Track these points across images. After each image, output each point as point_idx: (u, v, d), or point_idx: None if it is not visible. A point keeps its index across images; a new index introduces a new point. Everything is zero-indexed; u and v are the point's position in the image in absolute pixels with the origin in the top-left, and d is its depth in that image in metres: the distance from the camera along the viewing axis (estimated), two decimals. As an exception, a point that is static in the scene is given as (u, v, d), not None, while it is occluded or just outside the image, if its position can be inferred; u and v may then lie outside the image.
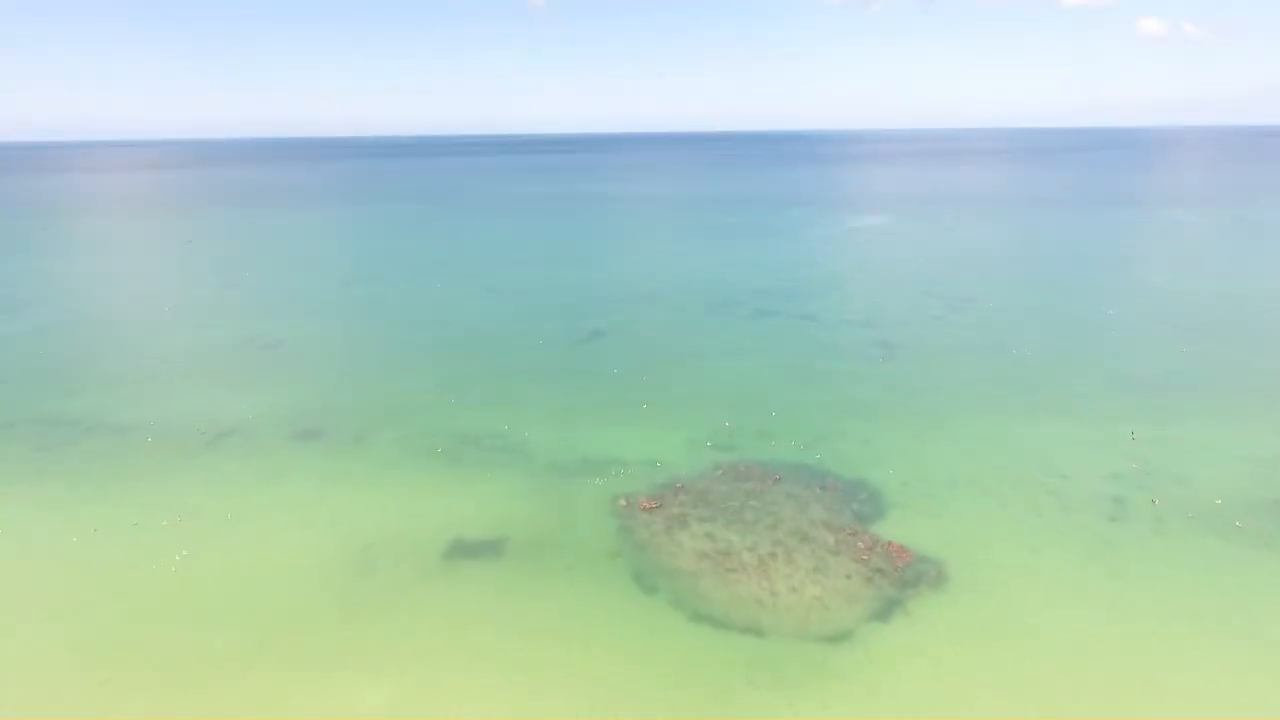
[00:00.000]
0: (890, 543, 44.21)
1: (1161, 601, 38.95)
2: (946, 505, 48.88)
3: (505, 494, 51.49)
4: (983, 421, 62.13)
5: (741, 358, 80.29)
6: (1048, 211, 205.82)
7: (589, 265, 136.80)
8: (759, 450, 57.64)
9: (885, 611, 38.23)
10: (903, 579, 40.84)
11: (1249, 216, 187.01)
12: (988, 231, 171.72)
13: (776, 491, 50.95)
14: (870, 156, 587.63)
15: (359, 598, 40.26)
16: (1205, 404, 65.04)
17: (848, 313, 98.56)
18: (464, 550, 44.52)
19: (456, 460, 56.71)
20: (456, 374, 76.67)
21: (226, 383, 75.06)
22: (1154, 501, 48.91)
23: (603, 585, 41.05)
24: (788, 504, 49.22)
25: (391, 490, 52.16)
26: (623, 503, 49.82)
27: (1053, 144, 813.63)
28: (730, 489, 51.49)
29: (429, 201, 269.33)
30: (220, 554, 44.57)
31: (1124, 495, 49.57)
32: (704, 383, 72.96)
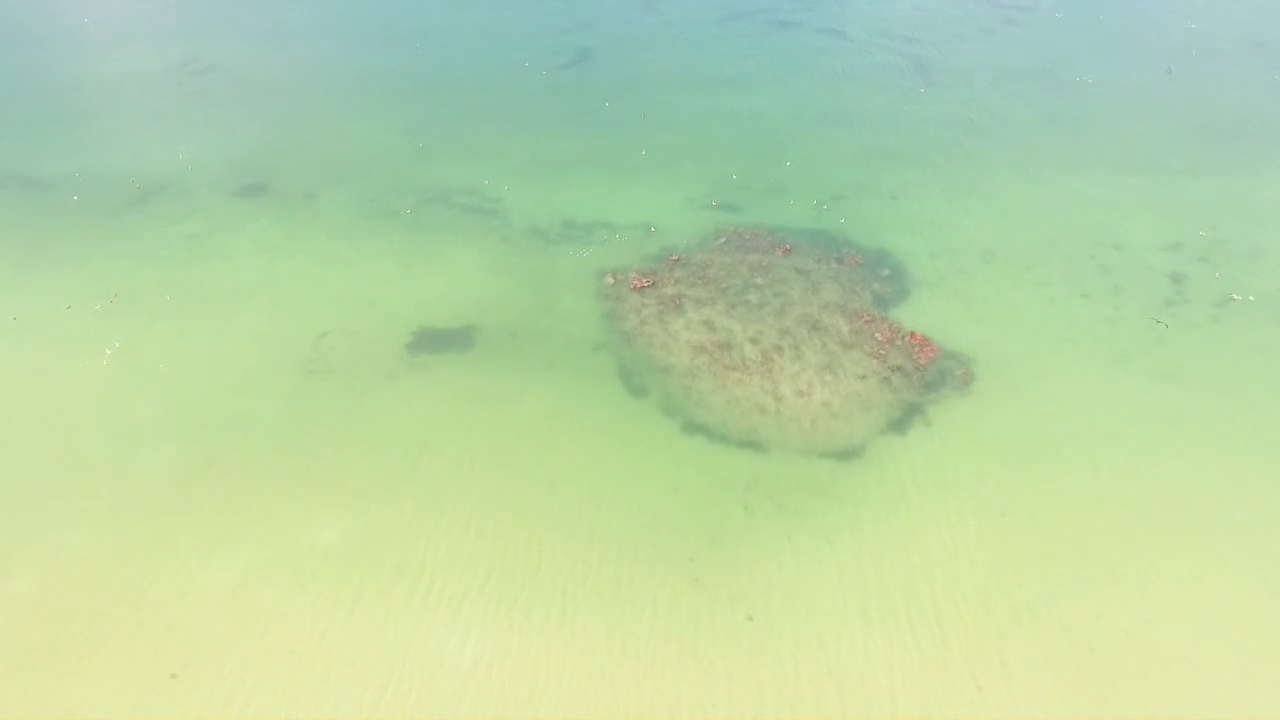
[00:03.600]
0: (912, 333, 38.91)
1: (1218, 407, 34.66)
2: (980, 285, 42.75)
3: (478, 269, 45.24)
4: (1030, 175, 53.37)
5: (754, 88, 68.43)
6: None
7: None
8: (769, 211, 50.11)
9: (902, 421, 34.13)
10: (924, 380, 36.22)
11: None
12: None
13: (786, 266, 44.59)
14: None
15: (313, 402, 36.17)
16: (1294, 151, 55.67)
17: (881, 25, 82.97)
18: (430, 342, 39.50)
19: (422, 226, 49.49)
20: (422, 111, 65.76)
21: (158, 121, 64.64)
22: (1216, 275, 42.81)
23: (585, 386, 36.68)
24: (798, 282, 43.14)
25: (348, 265, 45.81)
26: (610, 280, 43.78)
27: None
28: (733, 262, 45.08)
29: None
30: (157, 347, 39.63)
31: (1185, 272, 43.10)
32: (710, 121, 62.57)
